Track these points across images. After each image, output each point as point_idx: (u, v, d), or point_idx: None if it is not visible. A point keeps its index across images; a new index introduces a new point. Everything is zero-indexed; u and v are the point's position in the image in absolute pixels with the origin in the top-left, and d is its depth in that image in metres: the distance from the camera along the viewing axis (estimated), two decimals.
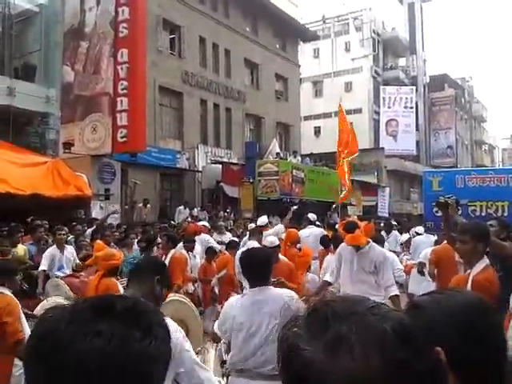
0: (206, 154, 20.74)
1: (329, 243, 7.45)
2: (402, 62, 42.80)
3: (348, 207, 21.30)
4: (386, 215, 24.72)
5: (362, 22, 38.10)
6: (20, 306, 3.81)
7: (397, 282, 6.31)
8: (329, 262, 6.58)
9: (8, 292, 3.77)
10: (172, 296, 4.10)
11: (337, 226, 7.50)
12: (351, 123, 15.80)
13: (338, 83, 37.48)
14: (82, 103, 14.23)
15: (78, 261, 7.36)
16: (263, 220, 9.16)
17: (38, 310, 4.49)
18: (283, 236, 7.59)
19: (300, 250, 7.44)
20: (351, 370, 0.66)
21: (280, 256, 6.00)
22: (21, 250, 7.43)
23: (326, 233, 9.04)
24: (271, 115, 25.42)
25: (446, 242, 5.16)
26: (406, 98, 37.81)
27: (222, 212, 16.78)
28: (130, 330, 0.74)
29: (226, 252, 8.20)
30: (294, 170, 19.07)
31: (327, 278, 5.68)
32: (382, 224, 14.02)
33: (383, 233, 11.20)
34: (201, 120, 21.27)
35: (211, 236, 10.63)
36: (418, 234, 10.19)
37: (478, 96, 55.39)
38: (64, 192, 10.64)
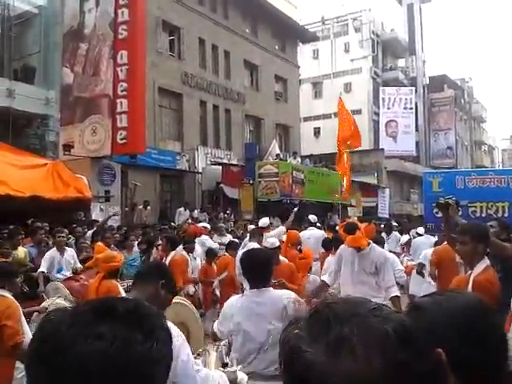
0: (206, 155, 20.74)
1: (330, 245, 7.44)
2: (401, 62, 42.84)
3: (348, 208, 21.31)
4: (387, 216, 24.73)
5: (362, 23, 38.13)
6: (20, 309, 3.80)
7: (397, 283, 6.31)
8: (329, 263, 6.57)
9: (8, 294, 3.76)
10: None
11: (337, 228, 7.50)
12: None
13: (337, 84, 37.49)
14: (82, 105, 14.23)
15: (78, 264, 7.35)
16: (265, 221, 9.15)
17: (36, 315, 4.48)
18: (284, 238, 7.58)
19: (301, 251, 7.44)
20: (353, 372, 0.66)
21: (281, 257, 5.99)
22: (21, 252, 7.43)
23: (326, 235, 9.03)
24: (271, 116, 25.43)
25: (446, 243, 5.16)
26: (406, 99, 37.83)
27: (222, 213, 16.78)
28: (131, 333, 0.74)
29: (226, 253, 8.19)
30: (294, 171, 19.07)
31: (325, 278, 5.67)
32: (382, 225, 14.01)
33: (383, 234, 11.19)
34: (200, 121, 21.28)
35: (211, 237, 10.63)
36: (418, 234, 10.20)
37: (478, 97, 55.47)
38: (64, 194, 10.62)
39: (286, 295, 3.30)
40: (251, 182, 17.88)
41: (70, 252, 7.45)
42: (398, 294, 5.27)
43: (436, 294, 1.21)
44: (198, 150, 20.50)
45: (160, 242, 9.05)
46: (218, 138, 22.12)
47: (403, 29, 41.68)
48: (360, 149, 27.62)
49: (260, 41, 25.06)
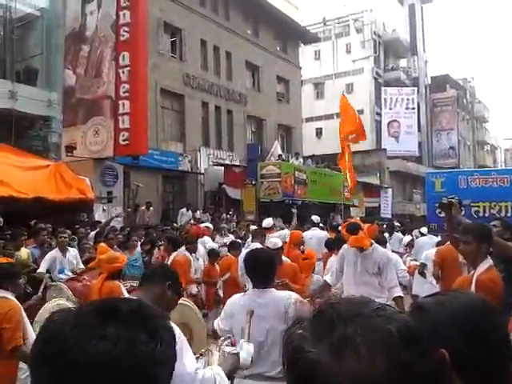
0: (208, 156, 20.76)
1: (333, 246, 7.44)
2: (403, 63, 42.79)
3: (351, 208, 21.30)
4: (389, 216, 24.72)
5: (363, 24, 38.12)
6: (22, 310, 3.79)
7: (400, 284, 6.30)
8: (332, 263, 6.57)
9: (11, 296, 3.74)
10: None
11: (340, 228, 7.50)
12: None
13: (339, 85, 37.45)
14: (84, 107, 14.27)
15: (81, 264, 7.36)
16: (268, 222, 9.15)
17: (41, 312, 4.48)
18: (287, 240, 7.58)
19: (303, 252, 7.43)
20: (357, 372, 0.66)
21: (283, 258, 5.99)
22: (24, 253, 7.44)
23: (329, 235, 9.03)
24: (273, 117, 25.44)
25: (449, 243, 5.15)
26: (408, 99, 37.79)
27: (224, 214, 16.79)
28: (135, 333, 0.74)
29: (228, 254, 8.19)
30: (296, 172, 19.06)
31: (327, 278, 5.66)
32: (384, 225, 14.01)
33: (386, 234, 11.18)
34: (202, 122, 21.30)
35: (214, 238, 10.63)
36: (422, 234, 10.18)
37: (480, 96, 55.42)
38: (67, 195, 10.65)
39: (287, 297, 3.29)
40: (253, 182, 17.88)
41: (73, 252, 7.45)
42: (401, 295, 5.25)
43: (439, 294, 1.21)
44: (200, 150, 20.52)
45: (161, 242, 9.07)
46: (220, 138, 22.14)
47: (405, 29, 41.66)
48: (362, 149, 27.76)
49: (261, 42, 25.08)
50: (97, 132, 13.70)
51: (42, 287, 6.30)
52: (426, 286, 7.06)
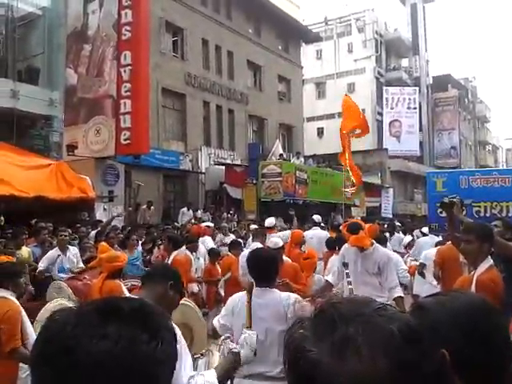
0: (209, 155, 20.77)
1: (334, 245, 7.44)
2: (404, 62, 42.74)
3: (352, 208, 21.29)
4: (390, 216, 24.69)
5: (365, 23, 38.08)
6: (22, 310, 3.77)
7: (401, 284, 6.29)
8: (333, 263, 6.57)
9: (10, 296, 3.72)
10: None
11: (341, 228, 7.49)
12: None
13: (340, 84, 37.45)
14: (86, 106, 14.28)
15: (81, 263, 7.36)
16: (271, 221, 9.16)
17: (42, 312, 4.48)
18: (289, 241, 7.58)
19: (304, 251, 7.43)
20: (358, 372, 0.66)
21: (284, 257, 5.99)
22: (25, 252, 7.45)
23: (330, 235, 9.03)
24: (274, 116, 25.43)
25: (450, 242, 5.15)
26: (409, 99, 37.75)
27: (225, 213, 16.79)
28: (137, 332, 0.74)
29: (229, 253, 8.19)
30: (298, 171, 19.06)
31: (329, 278, 5.66)
32: (385, 225, 14.00)
33: (387, 234, 11.17)
34: (204, 122, 21.30)
35: (215, 237, 10.64)
36: (423, 234, 10.17)
37: (482, 96, 55.32)
38: (68, 194, 10.66)
39: (286, 298, 3.29)
40: (254, 182, 17.89)
41: (73, 251, 7.46)
42: (402, 295, 5.24)
43: (440, 295, 1.21)
44: (201, 150, 20.52)
45: (161, 241, 9.08)
46: (221, 138, 22.14)
47: (406, 28, 41.60)
48: (363, 149, 27.78)
49: (263, 41, 25.07)
50: (98, 131, 13.72)
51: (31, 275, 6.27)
52: (425, 287, 7.06)
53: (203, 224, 11.52)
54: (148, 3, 14.00)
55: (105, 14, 14.13)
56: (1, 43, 16.03)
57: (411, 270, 7.77)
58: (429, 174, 8.22)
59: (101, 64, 14.08)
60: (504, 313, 1.36)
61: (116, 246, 8.06)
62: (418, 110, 38.10)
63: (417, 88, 38.98)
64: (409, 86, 39.28)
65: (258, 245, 6.76)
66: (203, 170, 20.16)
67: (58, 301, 4.91)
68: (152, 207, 15.53)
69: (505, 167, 47.89)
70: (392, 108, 37.37)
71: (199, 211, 16.55)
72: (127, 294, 4.31)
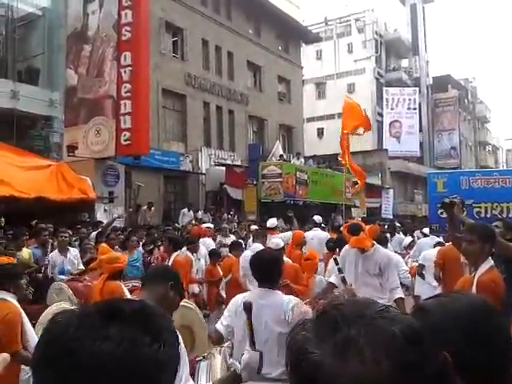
0: (210, 156, 20.77)
1: (334, 246, 7.43)
2: (404, 63, 42.76)
3: (352, 209, 21.29)
4: (391, 217, 24.69)
5: (365, 24, 38.11)
6: (23, 312, 3.76)
7: (403, 284, 6.29)
8: (333, 264, 6.56)
9: (9, 298, 3.69)
10: None
11: (341, 228, 7.50)
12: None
13: (340, 85, 37.46)
14: (86, 106, 14.29)
15: (81, 265, 7.35)
16: (272, 222, 9.16)
17: (44, 315, 4.47)
18: (289, 242, 7.59)
19: (305, 252, 7.43)
20: (360, 374, 0.66)
21: (285, 258, 5.99)
22: (26, 253, 7.45)
23: (330, 236, 9.03)
24: (274, 117, 25.44)
25: (451, 243, 5.14)
26: (409, 100, 37.76)
27: (225, 214, 16.79)
28: (139, 334, 0.74)
29: (230, 255, 8.19)
30: (298, 172, 19.05)
31: (332, 280, 5.65)
32: (386, 226, 13.99)
33: (387, 235, 11.15)
34: (204, 122, 21.30)
35: (216, 238, 10.64)
36: (424, 235, 10.16)
37: (482, 97, 55.35)
38: (68, 195, 10.67)
39: (287, 301, 3.29)
40: (255, 182, 17.88)
41: (73, 252, 7.46)
42: (402, 296, 5.24)
43: (441, 296, 1.22)
44: (201, 150, 20.53)
45: (161, 242, 9.07)
46: (221, 138, 22.15)
47: (406, 29, 41.63)
48: (363, 149, 27.77)
49: (263, 42, 25.08)
50: (98, 132, 13.72)
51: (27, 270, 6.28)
52: (424, 287, 7.06)
53: (203, 225, 11.52)
54: (148, 4, 14.02)
55: (105, 15, 14.14)
56: (1, 44, 16.04)
57: (412, 270, 7.78)
58: (429, 174, 8.21)
59: (101, 64, 14.09)
60: (505, 314, 1.36)
61: (116, 247, 8.06)
62: (417, 111, 38.11)
63: (417, 88, 38.99)
64: (409, 86, 39.29)
65: (259, 246, 6.75)
66: (203, 171, 20.16)
67: (61, 304, 4.91)
68: (153, 208, 15.53)
69: (505, 168, 47.89)
70: (392, 108, 37.38)
71: (200, 212, 16.55)
72: (128, 295, 4.31)
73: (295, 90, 27.82)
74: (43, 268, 7.28)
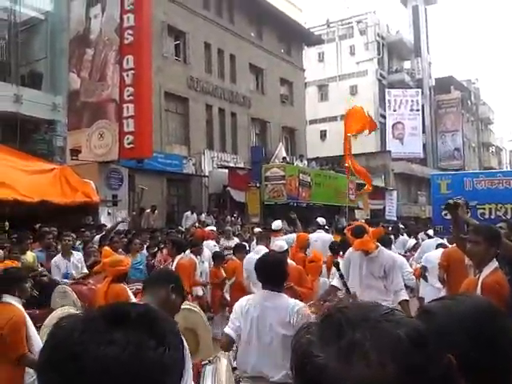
0: (212, 158, 20.78)
1: (337, 249, 7.42)
2: (407, 64, 42.76)
3: (355, 211, 21.25)
4: (394, 218, 24.67)
5: (367, 26, 38.13)
6: (27, 316, 3.77)
7: (407, 286, 6.26)
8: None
9: (14, 302, 3.70)
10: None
11: (345, 231, 7.48)
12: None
13: (343, 87, 37.48)
14: (89, 110, 14.31)
15: (85, 268, 7.36)
16: (278, 224, 9.15)
17: (49, 319, 4.47)
18: (293, 244, 7.58)
19: (308, 255, 7.42)
20: (365, 377, 0.66)
21: (289, 260, 5.99)
22: (30, 257, 7.46)
23: (334, 238, 9.01)
24: (276, 119, 25.45)
25: (455, 244, 5.13)
26: (412, 101, 37.74)
27: (228, 217, 16.79)
28: (144, 338, 0.74)
29: (233, 257, 8.19)
30: (301, 174, 19.04)
31: (335, 282, 5.64)
32: (389, 228, 13.97)
33: (391, 237, 11.13)
34: (206, 125, 21.33)
35: (219, 241, 10.64)
36: (428, 236, 10.14)
37: (485, 98, 55.24)
38: (72, 199, 10.69)
39: (292, 305, 3.29)
40: (258, 185, 17.87)
41: (77, 256, 7.46)
42: (407, 298, 5.23)
43: (445, 298, 1.21)
44: (204, 153, 20.54)
45: (163, 245, 9.08)
46: (224, 141, 22.17)
47: (408, 30, 41.64)
48: (367, 151, 27.78)
49: (265, 44, 25.11)
50: (101, 135, 13.74)
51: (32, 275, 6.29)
52: (427, 289, 7.04)
53: (207, 228, 11.53)
54: (150, 7, 14.04)
55: (107, 19, 14.17)
56: (4, 48, 16.09)
57: (416, 272, 7.76)
58: (433, 176, 8.21)
59: (103, 68, 14.11)
60: (510, 315, 1.35)
61: (120, 250, 8.06)
62: (420, 112, 38.10)
63: (419, 90, 38.98)
64: (411, 88, 39.28)
65: (263, 248, 6.76)
66: (206, 174, 20.18)
67: (66, 308, 4.91)
68: (156, 211, 15.55)
69: (509, 169, 47.79)
70: (395, 110, 37.37)
71: (203, 215, 16.56)
72: (133, 298, 4.31)
73: (297, 93, 27.84)
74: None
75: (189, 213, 16.15)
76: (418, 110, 37.82)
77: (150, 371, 0.73)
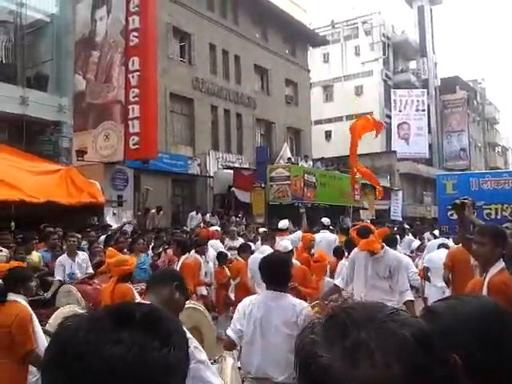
0: (218, 159, 20.80)
1: (341, 254, 7.40)
2: (412, 64, 42.64)
3: (360, 211, 21.21)
4: (400, 219, 24.60)
5: (372, 26, 38.06)
6: (33, 314, 3.80)
7: (412, 287, 6.24)
8: (343, 266, 6.54)
9: (21, 300, 3.75)
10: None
11: (350, 231, 7.47)
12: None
13: (348, 87, 37.44)
14: (95, 111, 14.36)
15: (90, 268, 7.38)
16: (284, 223, 9.15)
17: (54, 318, 4.50)
18: (299, 244, 7.57)
19: (312, 255, 7.41)
20: (370, 377, 0.66)
21: (294, 260, 5.98)
22: (35, 257, 7.51)
23: (339, 238, 9.00)
24: (281, 120, 25.44)
25: (460, 245, 5.11)
26: (418, 101, 37.63)
27: (233, 217, 16.80)
28: (149, 338, 0.74)
29: (238, 258, 8.18)
30: (306, 175, 19.02)
31: (338, 282, 5.64)
32: (395, 228, 13.94)
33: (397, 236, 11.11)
34: (212, 126, 21.35)
35: (224, 241, 10.65)
36: (435, 236, 10.12)
37: (490, 98, 55.00)
38: (78, 199, 10.74)
39: (297, 305, 3.29)
40: (263, 185, 17.88)
41: (82, 256, 7.49)
42: (412, 298, 5.21)
43: (451, 299, 1.21)
44: (209, 154, 20.57)
45: (167, 245, 9.09)
46: (229, 142, 22.18)
47: (414, 31, 41.53)
48: (372, 151, 27.67)
49: (270, 45, 25.12)
50: (107, 136, 13.78)
51: (53, 289, 6.35)
52: (432, 289, 7.01)
53: (212, 228, 11.54)
54: (155, 9, 14.08)
55: (112, 21, 14.21)
56: (10, 50, 16.16)
57: (421, 272, 7.74)
58: (439, 176, 8.18)
59: (109, 70, 14.16)
60: None
61: (125, 250, 8.09)
62: (426, 112, 37.99)
63: (425, 90, 38.87)
64: (417, 88, 39.17)
65: (268, 248, 6.75)
66: (211, 174, 20.20)
67: (71, 307, 4.93)
68: (161, 212, 15.58)
69: None
70: (400, 110, 37.28)
71: (208, 215, 16.57)
72: (138, 298, 4.32)
73: (302, 93, 27.82)
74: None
75: (194, 213, 16.17)
76: (423, 110, 37.71)
77: (155, 372, 0.73)
